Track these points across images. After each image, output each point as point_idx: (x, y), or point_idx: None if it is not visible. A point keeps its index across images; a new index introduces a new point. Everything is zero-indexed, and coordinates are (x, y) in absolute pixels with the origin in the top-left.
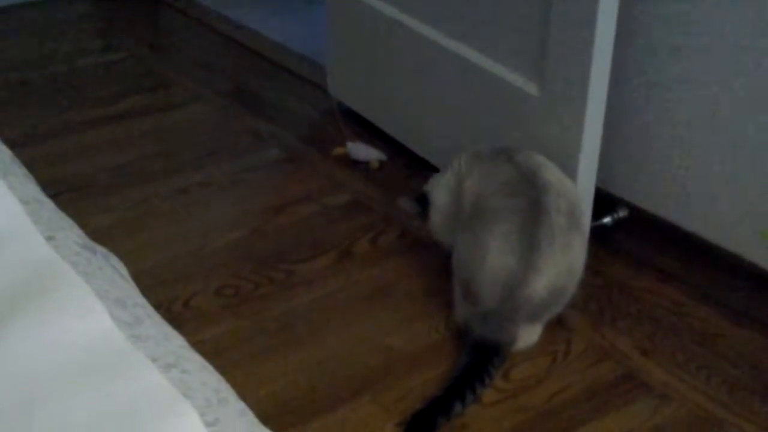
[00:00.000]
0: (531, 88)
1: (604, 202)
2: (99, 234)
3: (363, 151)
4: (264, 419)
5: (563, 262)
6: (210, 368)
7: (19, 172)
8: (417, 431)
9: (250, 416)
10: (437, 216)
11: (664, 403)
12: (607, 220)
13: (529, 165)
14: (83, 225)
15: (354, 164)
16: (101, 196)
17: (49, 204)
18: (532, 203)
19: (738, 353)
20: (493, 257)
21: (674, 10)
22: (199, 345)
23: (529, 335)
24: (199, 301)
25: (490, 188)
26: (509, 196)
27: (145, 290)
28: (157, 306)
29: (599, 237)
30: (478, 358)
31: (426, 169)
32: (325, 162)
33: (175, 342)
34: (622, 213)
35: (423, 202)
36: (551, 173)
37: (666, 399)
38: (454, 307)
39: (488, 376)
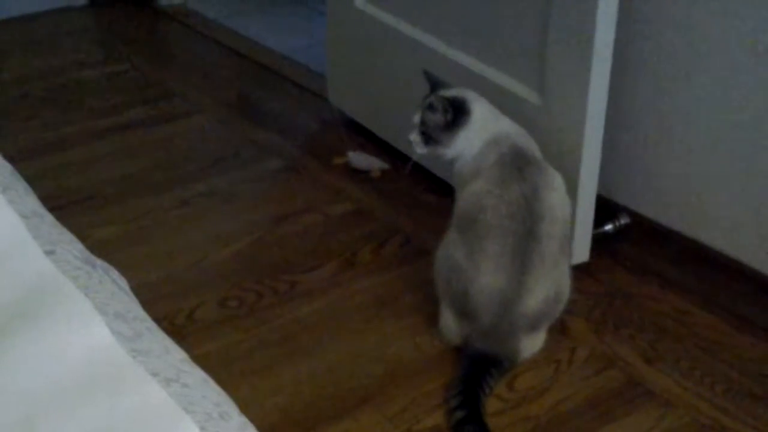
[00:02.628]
0: (532, 97)
1: (605, 209)
2: (101, 246)
3: (364, 160)
4: (268, 431)
5: (553, 278)
6: (211, 382)
7: (20, 185)
8: None
9: (251, 430)
10: (460, 140)
11: (669, 410)
12: (608, 227)
13: (533, 184)
14: (85, 237)
15: (355, 173)
16: (103, 209)
17: (49, 218)
18: (527, 230)
19: (742, 360)
20: (484, 277)
21: (673, 18)
22: (203, 357)
23: (532, 344)
24: (202, 313)
25: (491, 199)
26: (507, 218)
27: (148, 303)
28: (161, 319)
29: (601, 244)
30: (478, 368)
31: (427, 178)
32: (327, 172)
33: (176, 356)
34: (624, 220)
35: (458, 107)
36: (552, 193)
37: (670, 407)
38: (443, 327)
39: (488, 386)
